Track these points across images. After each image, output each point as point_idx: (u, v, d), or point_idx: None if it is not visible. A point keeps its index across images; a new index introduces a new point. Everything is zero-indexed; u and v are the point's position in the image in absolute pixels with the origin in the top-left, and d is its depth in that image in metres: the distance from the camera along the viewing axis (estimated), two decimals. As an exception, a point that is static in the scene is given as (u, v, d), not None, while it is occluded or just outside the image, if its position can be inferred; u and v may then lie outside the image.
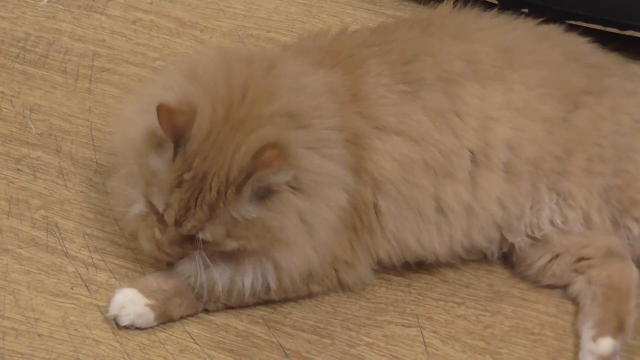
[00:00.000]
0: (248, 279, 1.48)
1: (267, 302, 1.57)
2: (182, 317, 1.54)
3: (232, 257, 1.47)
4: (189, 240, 1.43)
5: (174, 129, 1.37)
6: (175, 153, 1.39)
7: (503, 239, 1.63)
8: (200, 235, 1.40)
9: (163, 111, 1.36)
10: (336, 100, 1.52)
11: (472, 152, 1.56)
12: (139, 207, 1.50)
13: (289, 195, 1.41)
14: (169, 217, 1.41)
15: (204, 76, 1.49)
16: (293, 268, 1.48)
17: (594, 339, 1.51)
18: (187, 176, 1.38)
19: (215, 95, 1.43)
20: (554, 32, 1.74)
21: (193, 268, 1.47)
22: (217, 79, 1.47)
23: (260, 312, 1.56)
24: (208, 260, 1.45)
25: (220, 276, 1.48)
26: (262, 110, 1.42)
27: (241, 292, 1.52)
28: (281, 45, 1.86)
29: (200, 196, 1.38)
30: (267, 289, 1.52)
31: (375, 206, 1.54)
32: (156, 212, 1.44)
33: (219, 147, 1.38)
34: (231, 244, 1.42)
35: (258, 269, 1.48)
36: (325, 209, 1.45)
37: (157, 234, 1.46)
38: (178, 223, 1.40)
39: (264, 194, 1.39)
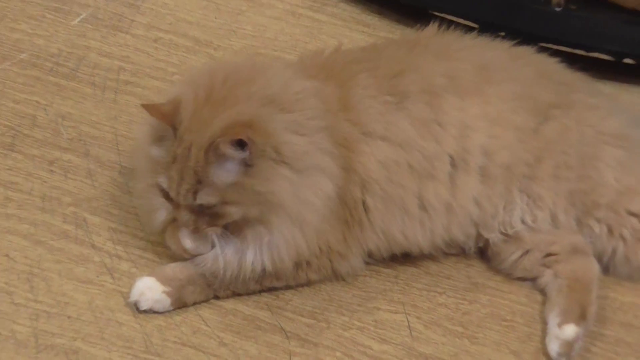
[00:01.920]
0: (250, 254, 1.51)
1: (271, 290, 1.59)
2: (195, 303, 1.56)
3: (240, 235, 1.50)
4: (203, 216, 1.47)
5: (163, 115, 1.44)
6: (174, 136, 1.45)
7: (479, 235, 1.66)
8: (199, 200, 1.44)
9: (148, 107, 1.45)
10: (325, 106, 1.55)
11: (451, 157, 1.60)
12: (163, 214, 1.55)
13: (271, 164, 1.45)
14: (171, 190, 1.46)
15: (194, 77, 1.57)
16: (284, 240, 1.50)
17: (559, 325, 1.54)
18: (178, 150, 1.44)
19: (197, 84, 1.50)
20: (526, 53, 1.77)
21: (211, 256, 1.52)
22: (201, 75, 1.54)
23: (265, 298, 1.59)
24: (225, 240, 1.50)
25: (232, 255, 1.51)
26: (240, 91, 1.48)
27: (244, 275, 1.54)
28: (284, 61, 1.88)
29: (187, 164, 1.43)
30: (263, 270, 1.53)
31: (364, 203, 1.57)
32: (166, 194, 1.49)
33: (200, 121, 1.43)
34: (232, 210, 1.46)
35: (257, 245, 1.51)
36: (312, 187, 1.49)
37: (182, 217, 1.48)
38: (179, 194, 1.45)
39: (248, 164, 1.43)
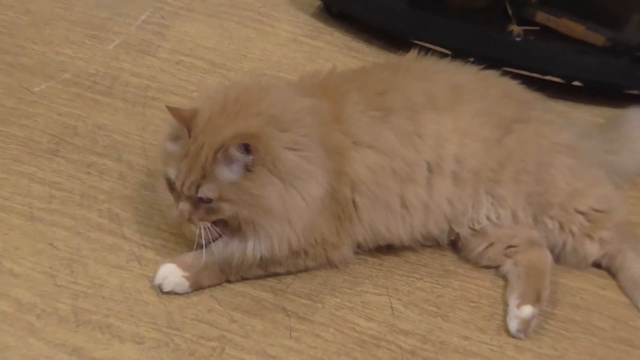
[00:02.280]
0: (250, 246, 1.50)
1: (274, 275, 1.59)
2: (209, 286, 1.56)
3: (238, 232, 1.50)
4: (199, 207, 1.46)
5: (182, 118, 1.44)
6: (189, 135, 1.44)
7: (451, 229, 1.65)
8: (200, 192, 1.43)
9: (171, 109, 1.45)
10: (320, 121, 1.54)
11: (428, 163, 1.59)
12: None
13: (267, 173, 1.44)
14: (178, 181, 1.45)
15: (210, 94, 1.55)
16: (277, 235, 1.50)
17: (518, 306, 1.54)
18: (192, 147, 1.43)
19: (213, 100, 1.49)
20: (492, 76, 1.76)
21: (221, 245, 1.51)
22: (216, 93, 1.53)
23: (269, 282, 1.58)
24: (218, 232, 1.50)
25: (233, 246, 1.51)
26: (250, 109, 1.47)
27: (248, 263, 1.53)
28: (286, 81, 1.87)
29: (197, 160, 1.42)
30: (268, 257, 1.53)
31: (354, 201, 1.56)
32: (171, 186, 1.49)
33: (214, 128, 1.43)
34: (226, 207, 1.45)
35: (255, 238, 1.50)
36: (297, 196, 1.48)
37: (181, 207, 1.48)
38: (184, 184, 1.44)
39: (249, 167, 1.43)
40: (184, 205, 1.47)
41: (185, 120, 1.44)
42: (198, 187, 1.44)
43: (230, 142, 1.40)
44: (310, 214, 1.51)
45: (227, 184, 1.44)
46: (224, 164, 1.43)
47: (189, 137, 1.44)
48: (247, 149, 1.40)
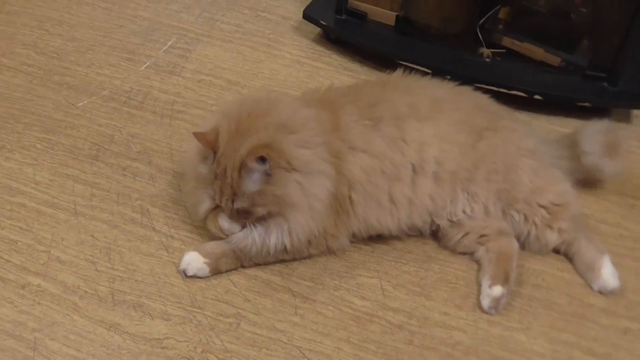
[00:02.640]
0: (273, 239, 1.50)
1: (282, 262, 1.58)
2: (227, 271, 1.55)
3: (264, 224, 1.50)
4: (240, 214, 1.48)
5: (209, 143, 1.43)
6: (214, 158, 1.44)
7: (432, 221, 1.63)
8: (235, 205, 1.45)
9: (197, 135, 1.44)
10: (322, 127, 1.53)
11: (413, 165, 1.58)
12: (206, 205, 1.53)
13: (284, 172, 1.45)
14: (216, 199, 1.46)
15: (226, 109, 1.54)
16: (300, 226, 1.49)
17: (490, 286, 1.53)
18: (217, 170, 1.44)
19: (230, 116, 1.48)
20: (466, 90, 1.74)
21: (241, 236, 1.51)
22: (232, 109, 1.52)
23: (277, 267, 1.57)
24: (254, 226, 1.49)
25: (257, 238, 1.50)
26: (260, 122, 1.47)
27: (267, 252, 1.53)
28: (291, 96, 1.86)
29: (225, 182, 1.43)
30: (284, 248, 1.52)
31: (350, 198, 1.55)
32: (212, 199, 1.49)
33: (232, 149, 1.43)
34: (259, 210, 1.46)
35: (279, 231, 1.50)
36: (316, 186, 1.48)
37: (216, 218, 1.51)
38: (222, 201, 1.46)
39: (268, 172, 1.43)
40: (228, 214, 1.49)
41: (210, 144, 1.44)
42: (233, 202, 1.45)
43: (247, 159, 1.40)
44: (325, 203, 1.51)
45: (254, 193, 1.44)
46: (247, 178, 1.43)
47: (214, 160, 1.44)
48: (262, 159, 1.41)
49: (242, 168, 1.42)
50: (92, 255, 1.57)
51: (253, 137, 1.44)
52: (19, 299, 1.47)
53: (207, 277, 1.54)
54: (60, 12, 2.31)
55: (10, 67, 2.07)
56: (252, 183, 1.44)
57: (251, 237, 1.51)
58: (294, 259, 1.59)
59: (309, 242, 1.55)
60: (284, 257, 1.57)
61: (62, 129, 1.88)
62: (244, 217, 1.48)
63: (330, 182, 1.50)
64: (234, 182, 1.43)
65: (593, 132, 1.75)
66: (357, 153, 1.56)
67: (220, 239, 1.55)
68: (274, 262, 1.58)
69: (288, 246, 1.52)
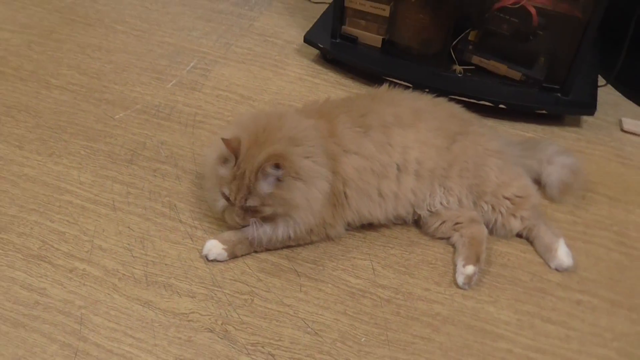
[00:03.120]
0: (280, 231, 1.50)
1: (288, 247, 1.57)
2: (242, 255, 1.55)
3: (272, 220, 1.49)
4: (248, 211, 1.46)
5: (233, 149, 1.42)
6: (235, 163, 1.43)
7: (415, 212, 1.62)
8: (248, 203, 1.43)
9: (225, 141, 1.42)
10: (320, 134, 1.53)
11: (397, 165, 1.57)
12: (222, 202, 1.53)
13: (292, 180, 1.44)
14: (231, 197, 1.45)
15: (244, 123, 1.52)
16: (302, 222, 1.49)
17: (464, 266, 1.53)
18: (237, 173, 1.42)
19: (248, 131, 1.47)
20: (442, 101, 1.73)
21: (252, 229, 1.49)
22: (249, 123, 1.51)
23: (285, 252, 1.57)
24: (260, 223, 1.48)
25: (265, 232, 1.50)
26: (274, 136, 1.46)
27: (275, 240, 1.53)
28: (294, 108, 1.84)
29: (243, 182, 1.42)
30: (289, 237, 1.52)
31: (345, 193, 1.55)
32: (227, 198, 1.47)
33: (251, 156, 1.42)
34: (267, 210, 1.45)
35: (285, 225, 1.49)
36: (316, 191, 1.47)
37: (232, 211, 1.49)
38: (236, 199, 1.44)
39: (279, 178, 1.43)
40: (238, 211, 1.46)
41: (234, 150, 1.43)
42: (246, 200, 1.44)
43: (265, 164, 1.39)
44: (323, 202, 1.50)
45: (266, 195, 1.43)
46: (262, 180, 1.42)
47: (235, 164, 1.43)
48: (277, 166, 1.40)
49: (260, 171, 1.41)
50: (128, 244, 1.56)
51: (269, 147, 1.43)
52: (67, 281, 1.47)
53: (226, 261, 1.53)
54: (99, 39, 2.31)
55: (57, 86, 2.06)
56: (266, 185, 1.43)
57: (262, 230, 1.50)
58: (299, 245, 1.58)
59: (311, 230, 1.55)
60: (290, 244, 1.57)
61: (102, 137, 1.87)
62: (251, 214, 1.47)
63: (327, 184, 1.49)
64: (250, 183, 1.42)
65: (561, 165, 1.74)
66: (350, 155, 1.55)
67: (236, 229, 1.55)
68: (282, 248, 1.57)
69: (292, 236, 1.51)
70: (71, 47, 2.25)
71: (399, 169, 1.58)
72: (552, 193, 1.75)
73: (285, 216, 1.48)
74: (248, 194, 1.44)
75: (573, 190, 1.75)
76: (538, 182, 1.76)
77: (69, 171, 1.75)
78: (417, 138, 1.60)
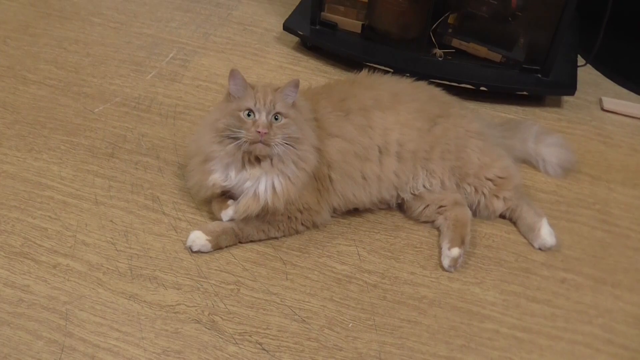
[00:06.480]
0: (262, 186, 1.47)
1: (273, 239, 1.56)
2: (227, 246, 1.53)
3: (260, 168, 1.47)
4: (275, 127, 1.45)
5: (251, 85, 1.50)
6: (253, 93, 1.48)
7: (398, 195, 1.62)
8: (276, 109, 1.45)
9: (232, 71, 1.48)
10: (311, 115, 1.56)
11: (379, 147, 1.57)
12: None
13: (299, 113, 1.50)
14: (258, 102, 1.45)
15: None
16: (292, 175, 1.48)
17: (449, 249, 1.53)
18: (257, 95, 1.47)
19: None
20: (421, 84, 1.73)
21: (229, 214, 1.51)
22: None
23: (270, 241, 1.56)
24: (282, 144, 1.45)
25: (246, 202, 1.48)
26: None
27: (257, 206, 1.48)
28: None
29: (267, 91, 1.47)
30: (270, 206, 1.48)
31: (329, 176, 1.55)
32: (249, 113, 1.45)
33: (265, 89, 1.49)
34: (289, 123, 1.46)
35: (269, 180, 1.47)
36: (309, 130, 1.51)
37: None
38: (265, 104, 1.45)
39: (294, 103, 1.49)
40: (264, 121, 1.44)
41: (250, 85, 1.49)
42: (274, 104, 1.45)
43: (288, 82, 1.47)
44: (307, 177, 1.50)
45: (288, 106, 1.47)
46: (286, 92, 1.47)
47: (253, 93, 1.46)
48: (296, 85, 1.47)
49: (282, 87, 1.46)
50: (112, 238, 1.55)
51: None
52: (51, 277, 1.45)
53: (210, 252, 1.52)
54: (75, 32, 2.28)
55: (35, 81, 2.03)
56: (288, 97, 1.47)
57: (247, 199, 1.48)
58: (283, 235, 1.57)
59: (296, 218, 1.54)
60: (275, 235, 1.56)
61: (81, 131, 1.85)
62: (276, 131, 1.44)
63: (316, 156, 1.50)
64: (273, 97, 1.45)
65: (555, 146, 1.79)
66: (334, 138, 1.55)
67: (221, 220, 1.54)
68: (267, 240, 1.56)
69: (270, 202, 1.47)
70: (48, 41, 2.22)
71: (380, 151, 1.57)
72: (555, 172, 1.79)
73: (297, 145, 1.48)
74: (275, 102, 1.45)
75: (573, 164, 1.80)
76: (523, 162, 1.77)
77: (49, 166, 1.73)
78: (397, 120, 1.59)
